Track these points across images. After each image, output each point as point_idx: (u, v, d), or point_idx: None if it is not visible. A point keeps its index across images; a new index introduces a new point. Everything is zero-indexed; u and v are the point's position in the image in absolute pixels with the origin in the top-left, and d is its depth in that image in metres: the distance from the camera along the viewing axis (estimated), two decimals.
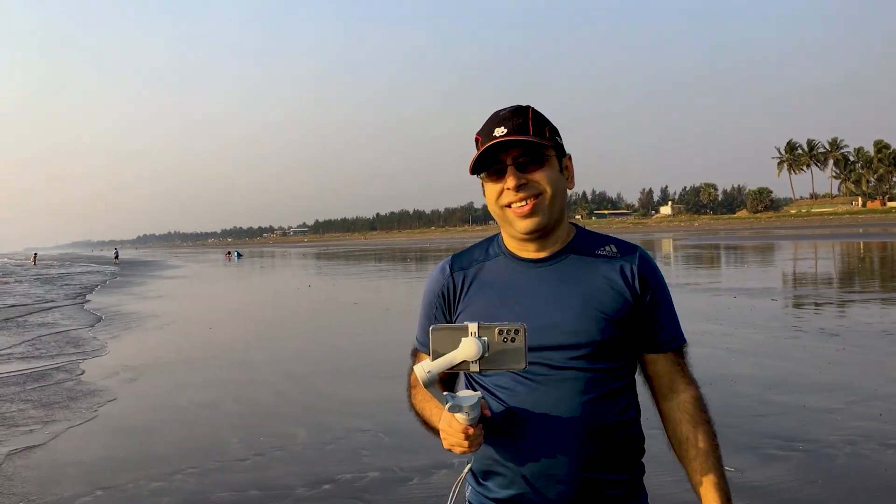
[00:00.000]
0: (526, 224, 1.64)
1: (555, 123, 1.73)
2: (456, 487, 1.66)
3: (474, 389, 1.67)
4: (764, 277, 20.94)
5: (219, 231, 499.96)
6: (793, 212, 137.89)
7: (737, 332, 10.62)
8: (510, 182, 1.62)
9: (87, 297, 24.17)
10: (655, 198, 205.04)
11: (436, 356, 1.39)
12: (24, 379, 9.22)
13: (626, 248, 1.72)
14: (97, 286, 30.82)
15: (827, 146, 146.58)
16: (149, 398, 8.06)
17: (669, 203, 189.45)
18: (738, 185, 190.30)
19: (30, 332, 14.30)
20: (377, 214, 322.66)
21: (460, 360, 1.37)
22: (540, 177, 1.63)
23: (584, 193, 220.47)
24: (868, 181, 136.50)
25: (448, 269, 1.77)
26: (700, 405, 1.69)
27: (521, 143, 1.62)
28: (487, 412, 1.53)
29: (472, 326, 1.38)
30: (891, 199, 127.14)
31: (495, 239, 1.79)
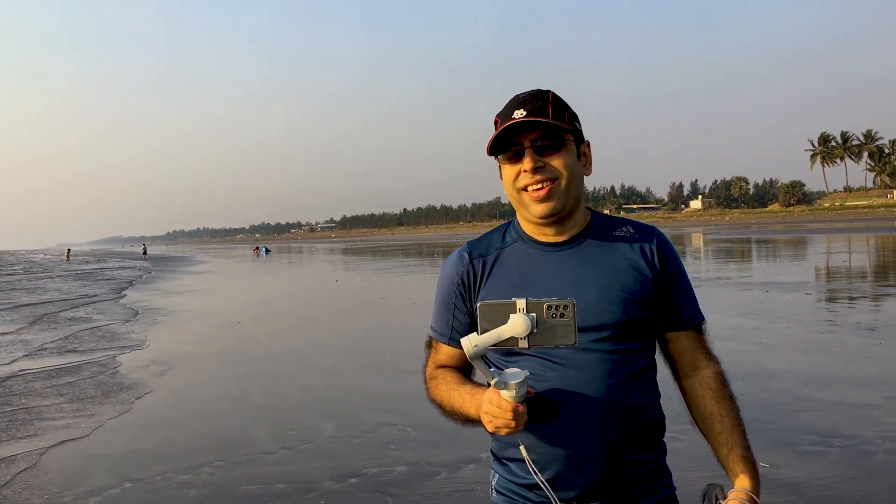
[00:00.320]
0: (541, 208, 1.63)
1: (578, 113, 1.71)
2: (534, 472, 1.57)
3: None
4: (797, 271, 20.58)
5: (247, 227, 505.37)
6: (826, 205, 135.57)
7: (770, 327, 10.42)
8: (527, 164, 1.61)
9: (124, 292, 24.48)
10: (685, 192, 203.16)
11: (483, 332, 1.36)
12: (66, 372, 9.34)
13: (643, 229, 1.73)
14: (133, 281, 31.23)
15: (861, 138, 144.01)
16: (181, 391, 8.12)
17: (700, 197, 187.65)
18: (770, 179, 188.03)
19: (70, 327, 14.49)
20: (404, 210, 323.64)
21: (508, 336, 1.35)
22: (557, 161, 1.62)
23: (613, 188, 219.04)
24: None
25: (467, 256, 1.75)
26: (722, 380, 1.70)
27: (540, 126, 1.61)
28: (531, 391, 1.51)
29: (521, 302, 1.35)
30: None
31: (511, 224, 1.78)
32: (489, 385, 1.46)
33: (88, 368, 9.53)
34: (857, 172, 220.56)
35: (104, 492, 4.85)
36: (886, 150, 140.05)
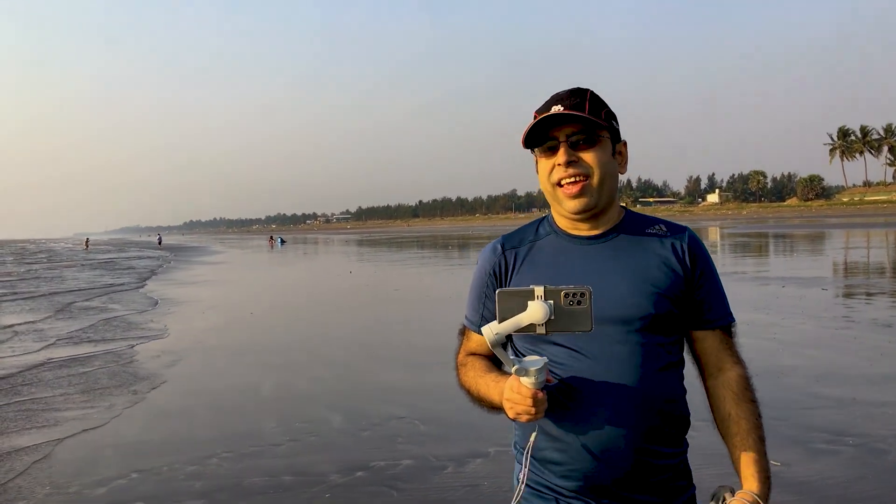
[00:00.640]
0: (574, 204, 1.66)
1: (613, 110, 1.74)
2: (527, 460, 1.65)
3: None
4: (814, 266, 20.40)
5: (263, 218, 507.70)
6: (845, 200, 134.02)
7: (785, 322, 10.33)
8: (561, 157, 1.65)
9: (145, 282, 24.65)
10: (702, 186, 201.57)
11: (502, 320, 1.39)
12: (80, 363, 9.40)
13: (675, 228, 1.76)
14: (153, 271, 31.43)
15: (881, 132, 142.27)
16: (193, 382, 8.16)
17: (717, 191, 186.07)
18: (789, 173, 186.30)
19: (97, 315, 14.62)
20: (420, 202, 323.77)
21: (527, 323, 1.38)
22: (590, 156, 1.65)
23: (629, 181, 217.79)
24: None
25: (500, 247, 1.80)
26: (746, 384, 1.70)
27: (576, 121, 1.64)
28: (551, 378, 1.56)
29: (539, 289, 1.38)
30: None
31: (545, 219, 1.83)
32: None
33: (104, 357, 9.60)
34: (876, 167, 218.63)
35: (111, 482, 4.87)
36: None
